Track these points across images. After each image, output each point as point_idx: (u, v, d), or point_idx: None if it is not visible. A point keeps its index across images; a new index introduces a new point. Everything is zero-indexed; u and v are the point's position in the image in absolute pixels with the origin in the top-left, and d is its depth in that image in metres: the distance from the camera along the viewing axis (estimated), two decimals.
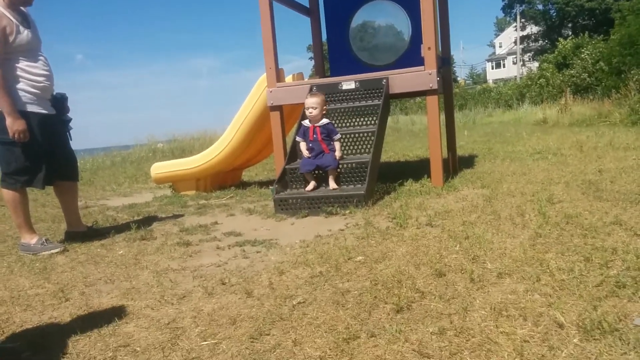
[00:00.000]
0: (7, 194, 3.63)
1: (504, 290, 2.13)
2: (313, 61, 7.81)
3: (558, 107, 16.24)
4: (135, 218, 4.64)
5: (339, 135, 4.69)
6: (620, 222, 2.95)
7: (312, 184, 4.49)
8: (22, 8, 3.60)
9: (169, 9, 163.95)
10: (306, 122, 4.68)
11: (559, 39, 29.43)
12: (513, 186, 4.42)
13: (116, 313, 2.30)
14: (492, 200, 3.91)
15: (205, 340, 1.94)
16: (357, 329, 1.90)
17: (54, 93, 3.78)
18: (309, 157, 4.54)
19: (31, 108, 3.53)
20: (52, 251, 3.55)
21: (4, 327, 2.26)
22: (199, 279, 2.69)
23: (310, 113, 4.60)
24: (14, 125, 3.40)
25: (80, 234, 3.90)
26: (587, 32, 28.57)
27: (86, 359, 1.88)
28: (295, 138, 4.84)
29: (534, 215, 3.32)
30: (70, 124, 3.93)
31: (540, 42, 46.17)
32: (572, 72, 23.08)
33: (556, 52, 27.63)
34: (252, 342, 1.88)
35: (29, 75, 3.52)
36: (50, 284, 2.84)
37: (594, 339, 1.66)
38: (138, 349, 1.93)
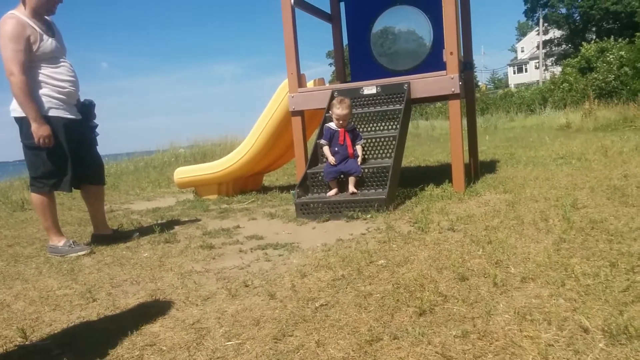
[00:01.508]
0: (36, 197, 3.72)
1: (528, 294, 2.12)
2: (333, 67, 7.86)
3: (582, 112, 15.99)
4: (159, 222, 4.71)
5: (363, 141, 4.71)
6: None
7: (334, 190, 4.50)
8: (46, 17, 3.69)
9: (191, 16, 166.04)
10: (332, 125, 4.69)
11: (583, 43, 29.04)
12: (536, 191, 4.39)
13: (142, 313, 2.35)
14: (514, 205, 3.88)
15: (230, 341, 1.96)
16: (379, 331, 1.90)
17: (82, 100, 3.87)
18: (334, 165, 4.54)
19: (56, 113, 3.62)
20: (79, 253, 3.62)
21: (34, 326, 2.32)
22: (222, 281, 2.73)
23: (341, 123, 4.61)
24: (39, 131, 3.49)
25: (107, 236, 3.98)
26: (612, 35, 28.10)
27: (114, 358, 1.92)
28: (319, 141, 4.85)
29: (558, 220, 3.29)
30: (97, 130, 4.01)
31: (564, 46, 45.62)
32: (596, 75, 22.72)
33: (579, 57, 27.27)
34: (275, 342, 1.91)
35: (53, 81, 3.61)
36: (77, 285, 2.90)
37: (620, 344, 1.64)
38: (164, 348, 1.96)
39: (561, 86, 26.14)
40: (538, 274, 2.34)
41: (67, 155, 3.68)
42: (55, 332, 2.22)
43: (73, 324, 2.31)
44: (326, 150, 4.67)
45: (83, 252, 3.64)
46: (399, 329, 1.91)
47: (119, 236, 4.03)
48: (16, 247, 4.05)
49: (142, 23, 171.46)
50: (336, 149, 4.60)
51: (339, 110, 4.60)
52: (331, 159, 4.58)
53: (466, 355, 1.67)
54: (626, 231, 2.89)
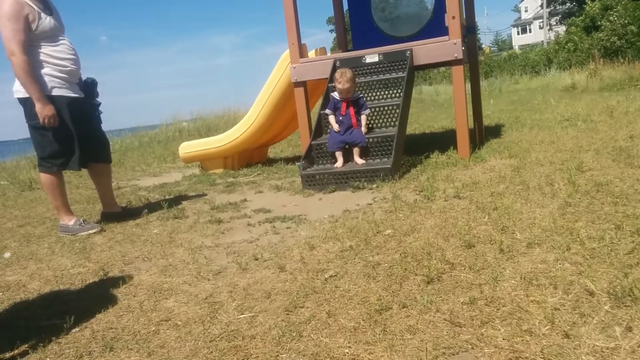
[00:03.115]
0: (45, 177, 3.75)
1: (533, 259, 2.15)
2: (334, 34, 7.75)
3: (587, 72, 15.82)
4: (167, 197, 4.75)
5: (368, 111, 4.70)
6: None
7: (340, 161, 4.50)
8: None
9: None
10: (336, 95, 4.68)
11: (587, 0, 28.43)
12: (541, 155, 4.38)
13: (156, 289, 2.40)
14: (520, 170, 3.89)
15: (243, 314, 2.01)
16: (389, 300, 1.95)
17: (85, 78, 3.86)
18: (337, 132, 4.54)
19: (59, 92, 3.61)
20: (90, 231, 3.67)
21: (50, 305, 2.37)
22: (232, 255, 2.77)
23: (346, 93, 4.59)
24: (43, 111, 3.49)
25: (116, 214, 4.02)
26: None
27: (131, 334, 1.97)
28: (324, 111, 4.83)
29: (564, 184, 3.30)
30: (100, 108, 4.01)
31: (568, 4, 44.67)
32: (601, 35, 22.33)
33: (584, 15, 26.74)
34: (287, 314, 1.95)
35: (54, 60, 3.60)
36: (90, 263, 2.96)
37: (625, 306, 1.68)
38: (179, 323, 2.01)
39: (566, 46, 25.73)
40: (544, 239, 2.36)
41: (73, 134, 3.69)
42: (72, 310, 2.28)
43: (89, 301, 2.37)
44: (331, 119, 4.66)
45: (94, 230, 3.69)
46: (408, 298, 1.95)
47: (128, 213, 4.07)
48: (27, 227, 4.11)
49: None
50: (340, 118, 4.59)
51: (340, 85, 4.57)
52: (335, 127, 4.57)
53: (474, 322, 1.71)
54: (631, 193, 2.90)
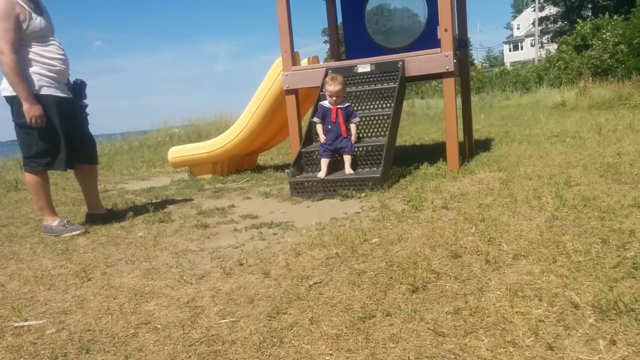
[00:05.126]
0: (29, 177, 3.70)
1: (519, 271, 2.14)
2: (328, 45, 7.77)
3: (577, 90, 15.99)
4: (154, 201, 4.71)
5: (357, 119, 4.68)
6: (639, 204, 2.93)
7: (324, 171, 4.41)
8: None
9: None
10: (325, 103, 4.66)
11: (578, 20, 28.81)
12: (530, 169, 4.40)
13: (137, 292, 2.36)
14: (508, 183, 3.89)
15: (224, 319, 1.98)
16: (372, 308, 1.92)
17: (74, 79, 3.83)
18: (324, 143, 4.51)
19: (48, 91, 3.58)
20: (74, 233, 3.62)
21: (29, 306, 2.32)
22: (217, 260, 2.74)
23: (334, 100, 4.58)
24: (30, 111, 3.46)
25: (101, 216, 3.97)
26: (607, 12, 27.87)
27: (109, 336, 1.93)
28: (312, 119, 4.83)
29: (551, 198, 3.30)
30: (87, 110, 3.98)
31: (559, 23, 45.23)
32: (592, 53, 22.62)
33: (575, 34, 27.10)
34: (269, 320, 1.92)
35: (44, 59, 3.58)
36: (72, 264, 2.91)
37: (610, 319, 1.67)
38: (159, 326, 1.97)
39: (556, 64, 26.04)
40: (530, 251, 2.36)
41: (59, 134, 3.65)
42: (50, 311, 2.23)
43: (68, 303, 2.32)
44: (319, 128, 4.65)
45: (77, 232, 3.64)
46: (392, 306, 1.93)
47: (113, 216, 4.02)
48: (10, 227, 4.05)
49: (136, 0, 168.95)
50: (329, 126, 4.57)
51: (330, 86, 4.57)
52: (322, 138, 4.55)
53: (458, 331, 1.69)
54: (618, 208, 2.91)
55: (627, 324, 1.62)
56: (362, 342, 1.68)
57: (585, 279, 1.99)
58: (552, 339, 1.58)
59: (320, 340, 1.73)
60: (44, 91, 3.57)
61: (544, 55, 37.93)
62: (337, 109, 4.58)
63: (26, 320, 2.15)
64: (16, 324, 2.11)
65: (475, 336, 1.65)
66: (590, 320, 1.67)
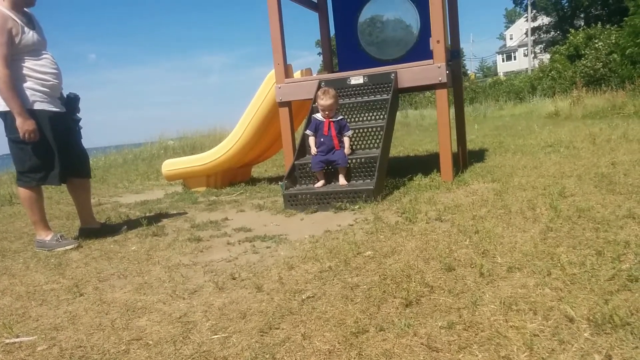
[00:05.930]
0: (23, 192, 3.68)
1: (514, 284, 2.13)
2: (321, 56, 7.80)
3: (570, 100, 16.08)
4: (147, 215, 4.68)
5: (350, 132, 4.70)
6: (634, 215, 2.93)
7: (321, 182, 4.50)
8: (25, 9, 3.64)
9: (179, 5, 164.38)
10: (318, 116, 4.68)
11: (570, 30, 29.05)
12: (524, 180, 4.40)
13: (129, 307, 2.34)
14: (502, 194, 3.89)
15: (216, 334, 1.96)
16: (366, 323, 1.91)
17: (67, 93, 3.83)
18: (316, 155, 4.54)
19: (41, 106, 3.57)
20: (67, 247, 3.60)
21: (21, 322, 2.30)
22: (209, 274, 2.72)
23: (326, 114, 4.60)
24: (24, 126, 3.45)
25: (94, 230, 3.95)
26: (599, 22, 28.12)
27: (100, 352, 1.91)
28: (305, 131, 4.84)
29: (545, 209, 3.30)
30: (80, 124, 3.97)
31: (552, 33, 45.60)
32: (584, 62, 22.78)
33: (567, 44, 27.31)
34: (262, 335, 1.90)
35: (37, 74, 3.57)
36: (65, 279, 2.88)
37: (605, 333, 1.66)
38: (150, 342, 1.95)
39: (549, 74, 26.22)
40: (524, 263, 2.35)
41: (53, 149, 3.64)
42: (42, 327, 2.20)
43: (60, 318, 2.29)
44: (311, 141, 4.66)
45: (70, 246, 3.61)
46: (385, 321, 1.91)
47: (106, 230, 4.00)
48: (3, 242, 4.02)
49: (131, 13, 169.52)
50: (322, 139, 4.58)
51: (322, 100, 4.59)
52: (313, 150, 4.57)
53: (452, 346, 1.68)
54: (613, 219, 2.91)
55: (623, 338, 1.61)
56: (355, 358, 1.67)
57: (580, 292, 1.98)
58: (547, 354, 1.57)
59: (312, 356, 1.72)
60: (37, 106, 3.55)
61: (537, 65, 38.19)
62: (330, 121, 4.60)
63: (17, 336, 2.13)
64: (7, 341, 2.09)
65: (469, 351, 1.64)
66: (585, 335, 1.66)
